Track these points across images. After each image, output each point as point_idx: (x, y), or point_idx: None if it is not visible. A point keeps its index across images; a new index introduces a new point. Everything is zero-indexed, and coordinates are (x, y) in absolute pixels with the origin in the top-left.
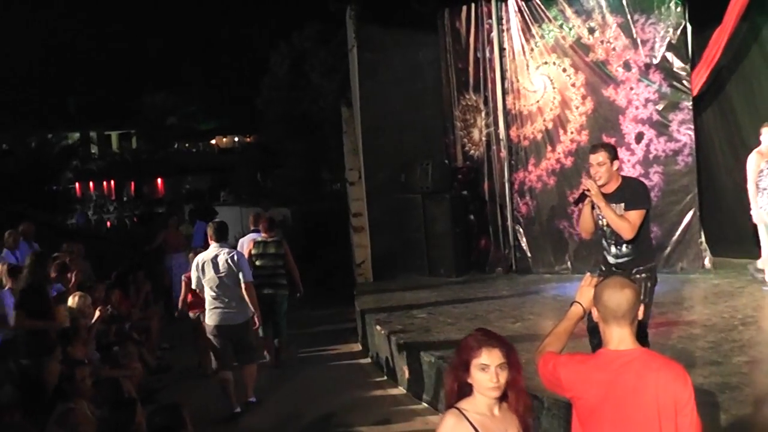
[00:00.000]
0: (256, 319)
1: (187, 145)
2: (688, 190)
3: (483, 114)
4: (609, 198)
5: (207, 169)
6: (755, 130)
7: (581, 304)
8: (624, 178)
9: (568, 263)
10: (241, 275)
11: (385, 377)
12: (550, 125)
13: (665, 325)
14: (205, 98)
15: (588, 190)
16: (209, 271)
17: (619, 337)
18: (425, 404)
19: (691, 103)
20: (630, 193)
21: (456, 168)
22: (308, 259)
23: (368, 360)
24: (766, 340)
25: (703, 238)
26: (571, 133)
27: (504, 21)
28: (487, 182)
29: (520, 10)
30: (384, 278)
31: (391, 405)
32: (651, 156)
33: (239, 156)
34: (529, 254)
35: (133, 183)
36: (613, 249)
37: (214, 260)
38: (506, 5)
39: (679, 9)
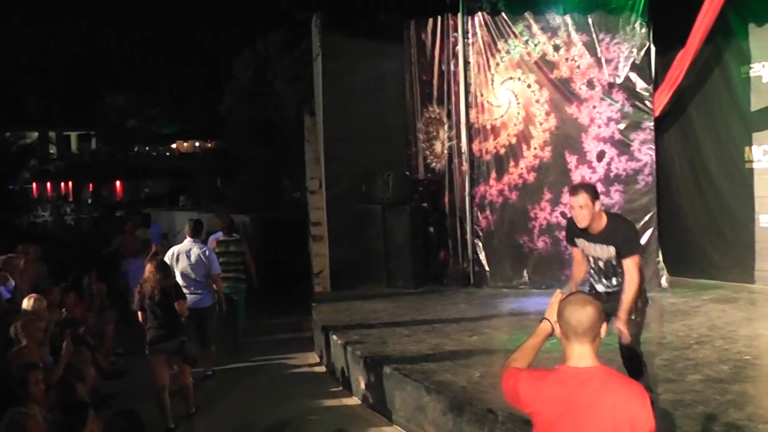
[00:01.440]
0: (222, 306)
1: (147, 148)
2: (648, 209)
3: (446, 127)
4: (596, 238)
5: (167, 173)
6: (715, 152)
7: (550, 321)
8: (609, 216)
9: (526, 278)
10: (210, 268)
11: (341, 387)
12: (513, 140)
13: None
14: (167, 102)
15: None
16: (183, 261)
17: (579, 353)
18: (380, 415)
19: (653, 123)
20: (622, 239)
21: (417, 180)
22: (267, 267)
23: (324, 369)
24: (720, 359)
25: (660, 257)
26: (534, 148)
27: (470, 35)
28: (447, 195)
29: (486, 25)
30: (342, 288)
31: (346, 415)
32: (612, 174)
33: (200, 161)
34: (487, 268)
35: (91, 185)
36: (604, 281)
37: (188, 252)
38: (472, 19)
39: (643, 30)
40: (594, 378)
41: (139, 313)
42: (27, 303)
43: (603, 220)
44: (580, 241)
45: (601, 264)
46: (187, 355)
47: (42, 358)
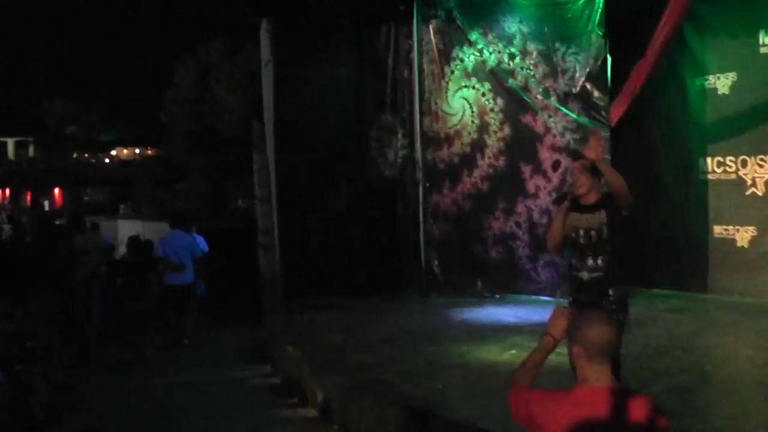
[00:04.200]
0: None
1: (86, 155)
2: None
3: (399, 135)
4: (588, 209)
5: (107, 181)
6: (671, 163)
7: (553, 336)
8: (606, 192)
9: (480, 288)
10: (192, 252)
11: (297, 399)
12: (467, 149)
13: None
14: (107, 108)
15: (572, 189)
16: (170, 247)
17: (598, 373)
18: (336, 426)
19: (608, 134)
20: (612, 201)
21: (370, 188)
22: (214, 278)
23: (278, 381)
24: (682, 369)
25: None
26: (489, 157)
27: (424, 42)
28: (401, 204)
29: (440, 32)
30: (294, 298)
31: (302, 427)
32: (567, 184)
33: (140, 169)
34: (441, 277)
35: (29, 193)
36: (590, 261)
37: (172, 239)
38: (427, 26)
39: (600, 40)
40: (610, 397)
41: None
42: None
43: (600, 194)
44: (570, 215)
45: (593, 234)
46: None
47: None
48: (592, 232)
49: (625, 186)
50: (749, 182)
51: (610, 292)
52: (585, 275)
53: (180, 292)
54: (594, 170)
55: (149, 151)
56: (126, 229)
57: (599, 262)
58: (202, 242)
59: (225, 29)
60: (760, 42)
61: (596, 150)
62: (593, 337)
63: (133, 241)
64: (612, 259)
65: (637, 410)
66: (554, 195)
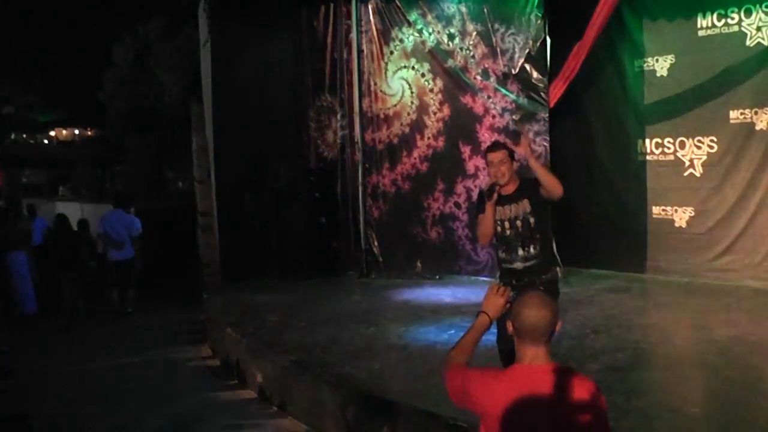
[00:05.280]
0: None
1: (24, 136)
2: None
3: (338, 116)
4: (510, 199)
5: (45, 162)
6: (609, 144)
7: (488, 314)
8: (522, 178)
9: (419, 268)
10: (130, 230)
11: (236, 381)
12: (407, 130)
13: None
14: (44, 88)
15: (497, 184)
16: (110, 225)
17: (533, 354)
18: (275, 407)
19: (547, 114)
20: (532, 187)
21: (309, 169)
22: (152, 261)
23: (218, 363)
24: (617, 347)
25: (554, 248)
26: (428, 138)
27: (363, 22)
28: (340, 185)
29: (379, 12)
30: (233, 279)
31: (241, 408)
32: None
33: (79, 150)
34: (380, 258)
35: None
36: (520, 252)
37: (113, 217)
38: (365, 6)
39: (539, 21)
40: (549, 377)
41: None
42: None
43: (517, 182)
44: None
45: (518, 225)
46: None
47: None
48: (518, 222)
49: (556, 180)
50: (687, 163)
51: (542, 276)
52: (518, 265)
53: (121, 267)
54: (512, 159)
55: (88, 132)
56: (65, 212)
57: (531, 250)
58: (137, 223)
59: (164, 8)
60: (698, 25)
61: (526, 147)
62: (525, 318)
63: (61, 218)
64: (547, 243)
65: (576, 389)
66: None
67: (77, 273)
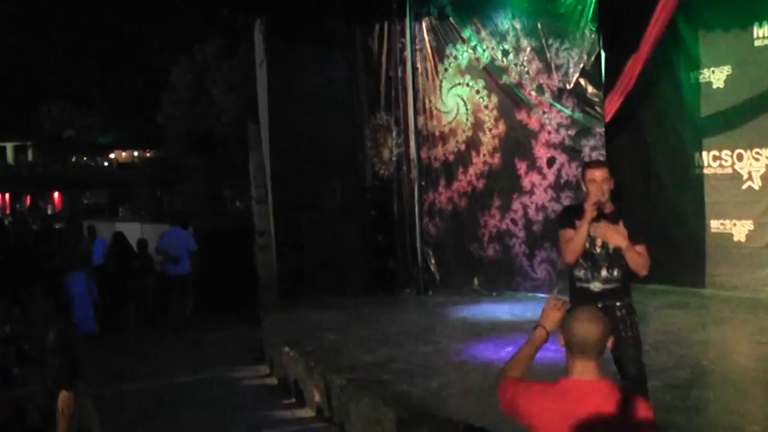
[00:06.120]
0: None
1: (85, 158)
2: None
3: (394, 134)
4: (605, 218)
5: (105, 183)
6: (666, 158)
7: (545, 328)
8: (619, 205)
9: (476, 285)
10: (188, 246)
11: (294, 399)
12: (462, 147)
13: None
14: (104, 111)
15: (597, 198)
16: (169, 241)
17: (582, 368)
18: (334, 426)
19: (603, 129)
20: (633, 222)
21: (365, 188)
22: (211, 279)
23: (276, 382)
24: (677, 365)
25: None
26: (484, 155)
27: (417, 40)
28: (396, 203)
29: (433, 30)
30: (290, 298)
31: (300, 428)
32: (562, 181)
33: (138, 171)
34: (437, 276)
35: (29, 196)
36: (604, 272)
37: (171, 233)
38: (420, 24)
39: (593, 36)
40: (597, 392)
41: None
42: None
43: (611, 204)
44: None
45: (609, 247)
46: None
47: None
48: (609, 246)
49: (645, 263)
50: (745, 176)
51: (620, 301)
52: (596, 286)
53: (177, 281)
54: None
55: (147, 154)
56: (125, 232)
57: (615, 273)
58: (192, 240)
59: (221, 30)
60: (755, 35)
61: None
62: (575, 331)
63: (117, 236)
64: (629, 271)
65: (624, 405)
66: (565, 202)
67: (137, 287)
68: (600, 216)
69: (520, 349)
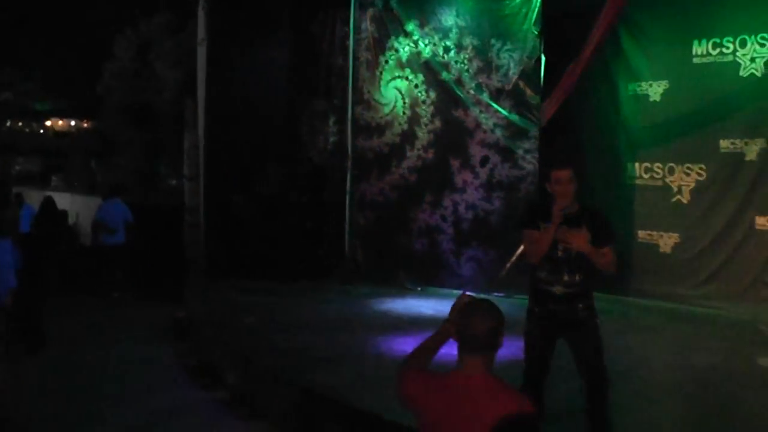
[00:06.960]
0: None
1: (20, 124)
2: None
3: (330, 122)
4: (569, 221)
5: (40, 151)
6: (599, 166)
7: (453, 323)
8: (582, 205)
9: (403, 279)
10: (125, 218)
11: (210, 380)
12: (397, 140)
13: None
14: (44, 77)
15: (562, 202)
16: (107, 212)
17: (469, 362)
18: (247, 410)
19: (538, 132)
20: (600, 224)
21: (298, 173)
22: (139, 255)
23: (194, 362)
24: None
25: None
26: (418, 149)
27: (360, 30)
28: (328, 191)
29: (376, 20)
30: (217, 278)
31: (212, 409)
32: (494, 181)
33: (74, 141)
34: (364, 267)
35: None
36: (566, 277)
37: (109, 205)
38: (363, 14)
39: (535, 39)
40: (477, 387)
41: None
42: None
43: (576, 204)
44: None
45: (572, 252)
46: None
47: None
48: (571, 249)
49: (612, 263)
50: (675, 189)
51: (581, 304)
52: (559, 289)
53: (112, 251)
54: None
55: (84, 124)
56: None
57: (576, 278)
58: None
59: (168, 4)
60: (694, 52)
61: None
62: (465, 324)
63: (47, 200)
64: (590, 276)
65: (497, 404)
66: (496, 202)
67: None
68: (564, 219)
69: (425, 341)
